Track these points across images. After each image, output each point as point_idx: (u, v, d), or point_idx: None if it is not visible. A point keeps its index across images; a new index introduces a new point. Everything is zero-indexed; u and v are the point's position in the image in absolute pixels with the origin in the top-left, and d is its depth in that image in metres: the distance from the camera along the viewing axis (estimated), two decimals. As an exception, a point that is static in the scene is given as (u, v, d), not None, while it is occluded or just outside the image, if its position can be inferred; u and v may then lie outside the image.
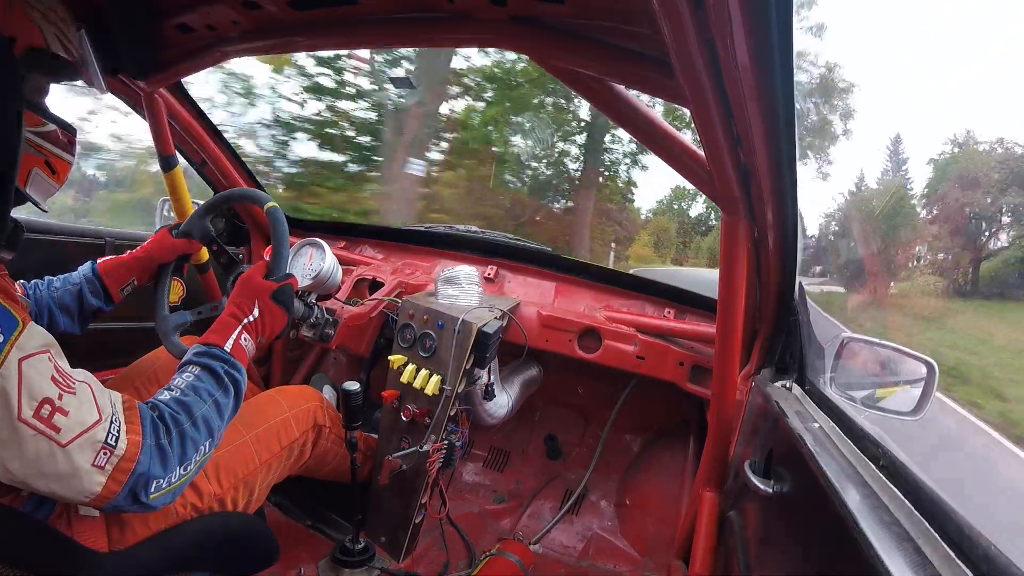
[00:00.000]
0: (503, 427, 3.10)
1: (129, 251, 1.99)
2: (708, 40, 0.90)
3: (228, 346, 1.50)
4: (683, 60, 0.94)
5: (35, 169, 1.37)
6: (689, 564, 1.78)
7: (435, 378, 2.22)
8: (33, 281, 1.83)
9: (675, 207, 62.81)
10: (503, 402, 2.60)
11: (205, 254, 2.66)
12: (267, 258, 1.80)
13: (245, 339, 1.56)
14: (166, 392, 1.36)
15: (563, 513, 2.96)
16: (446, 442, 2.29)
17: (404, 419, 2.27)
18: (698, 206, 61.84)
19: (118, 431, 1.17)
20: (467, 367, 2.25)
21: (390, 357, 2.33)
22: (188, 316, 1.98)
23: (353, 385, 2.03)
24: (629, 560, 2.74)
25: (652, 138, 1.33)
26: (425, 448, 2.23)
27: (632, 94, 1.30)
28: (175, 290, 2.21)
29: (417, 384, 2.24)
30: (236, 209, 3.06)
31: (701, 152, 1.27)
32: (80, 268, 1.90)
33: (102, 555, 1.41)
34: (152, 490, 1.23)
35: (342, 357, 3.53)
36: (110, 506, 1.20)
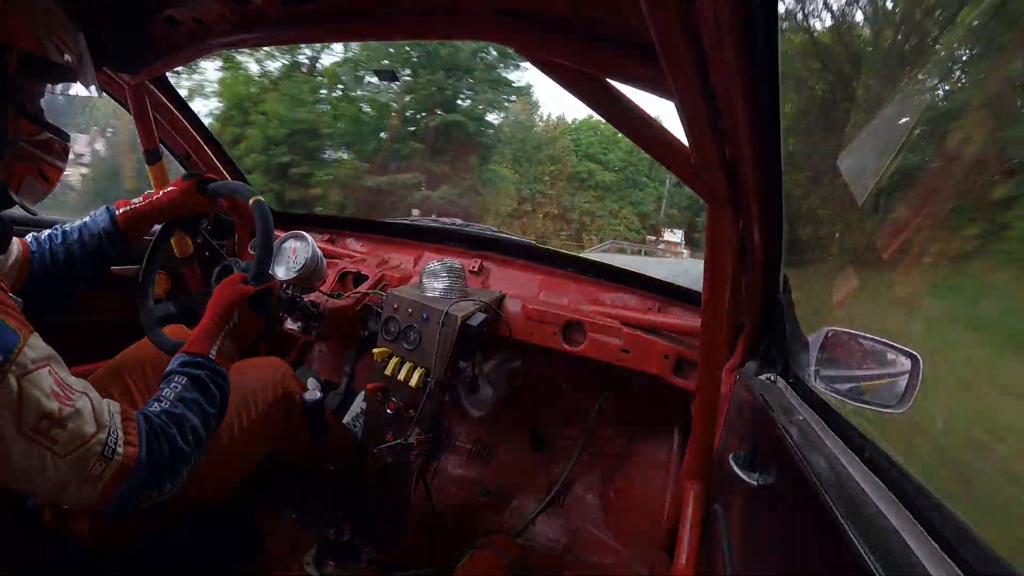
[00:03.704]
0: (488, 420, 3.10)
1: (146, 196, 1.94)
2: (694, 32, 0.90)
3: (213, 354, 1.50)
4: (669, 52, 0.94)
5: (28, 178, 1.37)
6: (673, 556, 1.78)
7: (419, 371, 2.22)
8: (46, 233, 1.80)
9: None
10: (488, 395, 2.60)
11: (189, 245, 2.65)
12: (252, 252, 1.79)
13: (227, 345, 1.57)
14: (156, 403, 1.35)
15: (545, 505, 2.96)
16: (431, 435, 2.29)
17: (389, 412, 2.27)
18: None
19: (115, 443, 1.17)
20: (451, 360, 2.25)
21: (374, 350, 2.32)
22: (172, 307, 1.95)
23: (314, 395, 2.00)
24: (613, 552, 2.75)
25: (637, 131, 1.32)
26: (410, 441, 2.23)
27: (618, 87, 1.29)
28: (160, 283, 2.19)
29: (401, 376, 2.24)
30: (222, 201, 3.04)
31: (687, 145, 1.27)
32: (96, 215, 1.86)
33: (87, 549, 1.40)
34: (146, 500, 1.24)
35: (326, 350, 3.53)
36: (108, 511, 1.20)
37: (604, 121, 1.37)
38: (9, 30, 1.25)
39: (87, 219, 1.86)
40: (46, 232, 1.80)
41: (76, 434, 1.11)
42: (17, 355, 1.05)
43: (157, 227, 1.99)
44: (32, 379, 1.06)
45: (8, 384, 1.03)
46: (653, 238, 58.76)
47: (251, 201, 1.87)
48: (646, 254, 47.21)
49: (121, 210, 1.88)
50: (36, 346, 1.11)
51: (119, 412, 1.23)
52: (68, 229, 1.83)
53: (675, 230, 62.85)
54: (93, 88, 1.53)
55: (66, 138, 1.44)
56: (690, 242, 61.92)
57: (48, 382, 1.10)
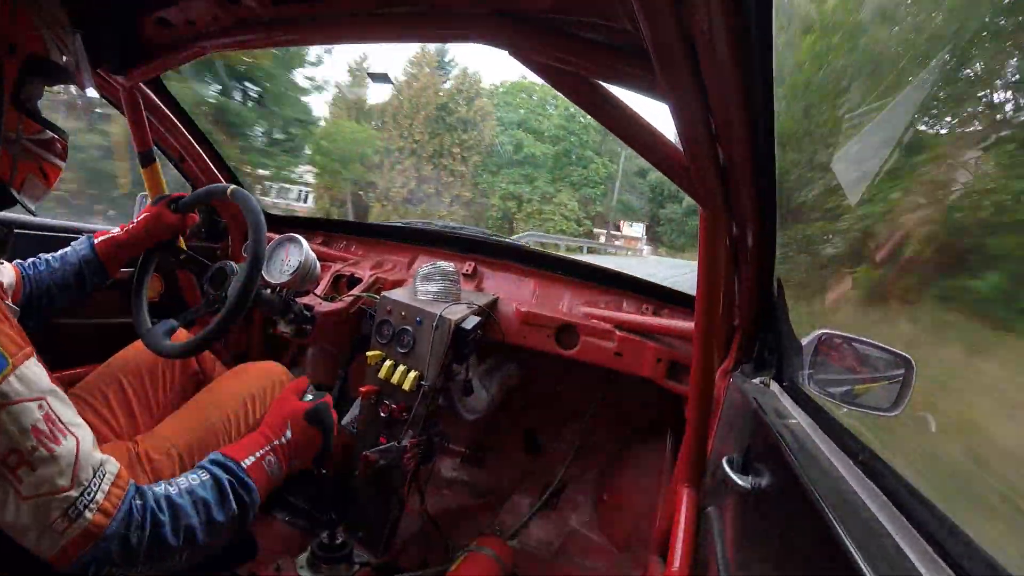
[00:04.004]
0: (482, 423, 3.10)
1: (123, 226, 1.96)
2: (687, 35, 0.90)
3: (246, 463, 1.44)
4: (662, 55, 0.94)
5: (29, 175, 1.37)
6: (667, 560, 1.78)
7: (413, 374, 2.22)
8: (31, 260, 1.80)
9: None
10: (482, 398, 2.60)
11: (183, 246, 2.65)
12: (245, 255, 1.79)
13: (270, 461, 1.50)
14: (164, 485, 1.29)
15: (539, 507, 2.96)
16: (424, 438, 2.29)
17: (382, 415, 2.27)
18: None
19: (85, 506, 1.11)
20: (445, 363, 2.25)
21: (367, 353, 2.32)
22: (174, 322, 1.94)
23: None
24: (607, 555, 2.75)
25: (631, 133, 1.32)
26: (403, 444, 2.22)
27: (612, 89, 1.29)
28: (153, 286, 2.18)
29: (395, 380, 2.23)
30: (215, 205, 3.04)
31: (680, 148, 1.27)
32: (76, 246, 1.88)
33: None
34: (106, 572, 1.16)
35: (320, 353, 3.53)
36: (74, 569, 1.13)
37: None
38: (15, 30, 1.26)
39: (67, 249, 1.88)
40: (29, 260, 1.81)
41: (42, 480, 1.06)
42: (2, 381, 1.02)
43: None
44: (13, 411, 1.03)
45: None
46: (603, 231, 51.62)
47: (228, 192, 1.90)
48: (589, 251, 36.38)
49: (100, 239, 1.90)
50: (28, 377, 1.08)
51: (113, 475, 1.19)
52: (50, 258, 1.84)
53: (634, 223, 57.18)
54: (90, 89, 1.55)
55: (65, 136, 1.45)
56: (653, 238, 57.55)
57: (32, 417, 1.06)
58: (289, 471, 1.59)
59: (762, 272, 1.70)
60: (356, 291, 2.63)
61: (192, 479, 1.33)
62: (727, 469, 1.31)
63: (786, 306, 1.79)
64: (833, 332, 1.61)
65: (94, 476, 1.14)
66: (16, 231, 1.49)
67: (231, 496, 1.36)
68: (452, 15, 1.35)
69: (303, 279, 2.22)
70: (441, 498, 3.01)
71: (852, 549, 0.66)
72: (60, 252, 1.86)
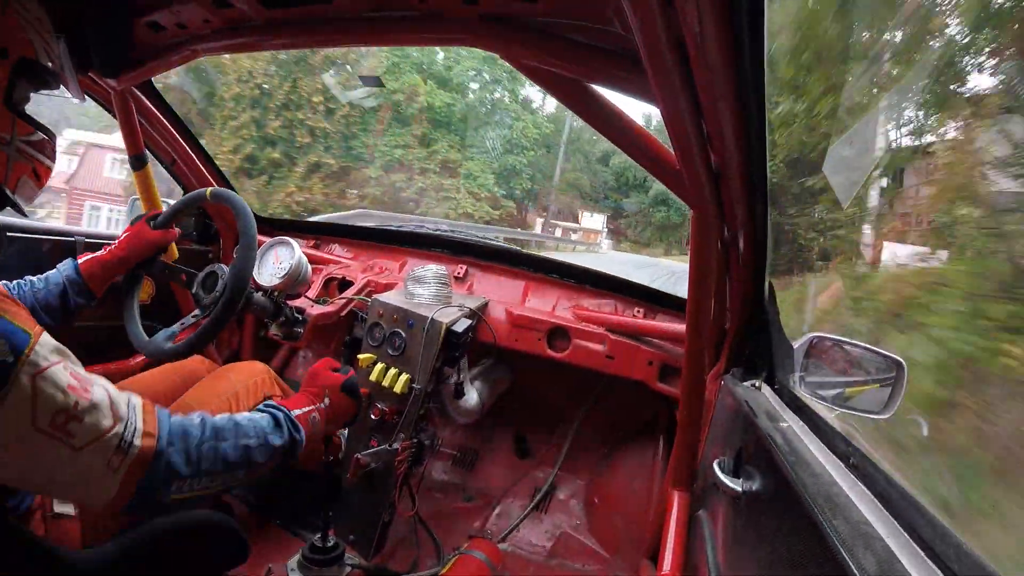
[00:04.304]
0: (472, 426, 3.11)
1: (106, 247, 1.98)
2: (678, 38, 0.90)
3: (296, 413, 1.53)
4: (653, 58, 0.94)
5: (23, 176, 1.39)
6: (658, 563, 1.78)
7: (404, 377, 2.22)
8: (16, 281, 1.82)
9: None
10: (473, 401, 2.60)
11: (175, 251, 2.64)
12: (235, 255, 1.80)
13: (315, 418, 1.59)
14: (221, 417, 1.38)
15: (530, 510, 2.96)
16: (415, 440, 2.29)
17: (373, 418, 2.27)
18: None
19: (132, 435, 1.16)
20: (437, 366, 2.25)
21: (359, 356, 2.32)
22: (175, 328, 1.96)
23: None
24: (598, 559, 2.75)
25: (622, 137, 1.33)
26: (394, 446, 2.22)
27: (603, 92, 1.30)
28: (145, 289, 2.19)
29: (386, 383, 2.23)
30: (206, 209, 3.04)
31: (671, 151, 1.27)
32: (60, 267, 1.90)
33: (73, 554, 1.39)
34: (172, 490, 1.23)
35: (311, 356, 3.52)
36: (128, 506, 1.19)
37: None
38: (5, 34, 1.28)
39: (52, 271, 1.90)
40: (14, 281, 1.83)
41: (93, 427, 1.10)
42: (29, 354, 1.05)
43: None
44: (47, 376, 1.06)
45: (21, 383, 1.02)
46: (542, 217, 45.82)
47: (208, 195, 1.95)
48: (508, 241, 19.27)
49: (83, 259, 1.92)
50: (47, 344, 1.11)
51: (140, 404, 1.23)
52: (34, 279, 1.86)
53: (594, 214, 53.12)
54: (75, 93, 1.56)
55: (54, 137, 1.46)
56: (617, 231, 53.83)
57: (64, 377, 1.09)
58: (325, 433, 1.68)
59: (753, 275, 1.71)
60: (348, 294, 2.62)
61: (252, 414, 1.44)
62: (718, 472, 1.31)
63: (777, 309, 1.80)
64: (824, 335, 1.62)
65: (128, 408, 1.19)
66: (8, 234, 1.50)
67: (285, 428, 1.46)
68: (443, 19, 1.35)
69: (295, 282, 2.22)
70: (432, 501, 3.01)
71: (843, 552, 0.66)
72: (45, 274, 1.89)
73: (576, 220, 52.82)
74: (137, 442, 1.16)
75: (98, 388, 1.15)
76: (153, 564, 1.58)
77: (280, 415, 1.47)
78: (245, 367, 2.15)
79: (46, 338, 1.12)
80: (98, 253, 1.95)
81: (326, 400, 1.66)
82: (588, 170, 52.67)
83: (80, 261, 1.90)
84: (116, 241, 1.99)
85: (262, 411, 1.47)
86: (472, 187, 33.69)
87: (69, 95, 1.65)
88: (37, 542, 1.31)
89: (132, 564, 1.51)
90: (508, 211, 37.08)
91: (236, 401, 1.97)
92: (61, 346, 1.15)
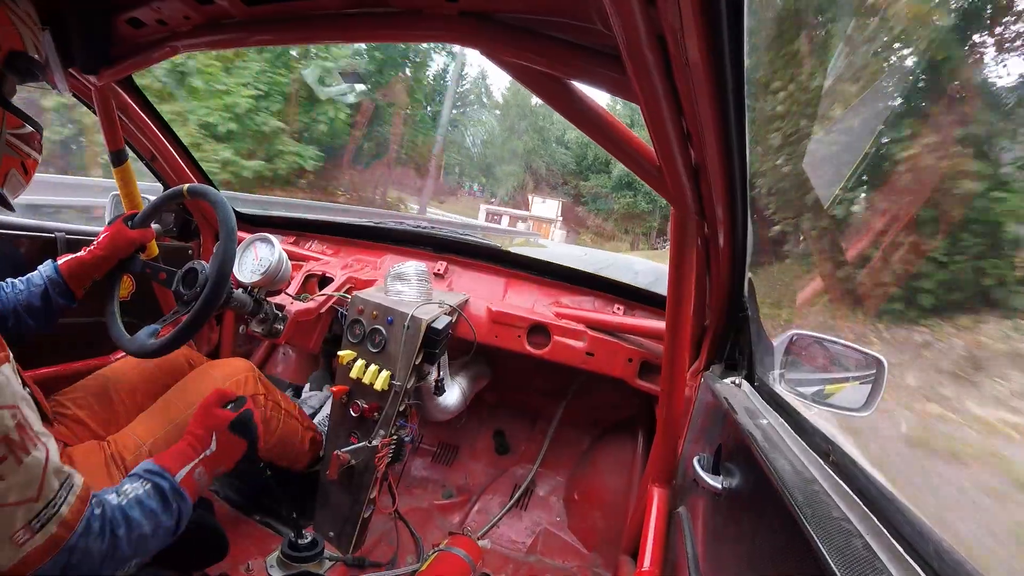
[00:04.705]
0: (452, 422, 3.11)
1: (86, 248, 1.96)
2: (659, 36, 0.90)
3: (179, 477, 1.46)
4: (633, 56, 0.94)
5: (12, 170, 1.39)
6: (637, 559, 1.79)
7: (384, 373, 2.21)
8: None
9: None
10: (453, 397, 2.60)
11: (155, 248, 2.63)
12: (215, 252, 1.80)
13: (200, 472, 1.53)
14: (114, 496, 1.31)
15: (510, 507, 2.97)
16: (395, 437, 2.28)
17: (353, 414, 2.26)
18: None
19: (49, 518, 1.11)
20: (417, 363, 2.24)
21: (339, 352, 2.31)
22: (157, 326, 1.95)
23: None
24: (577, 555, 2.76)
25: (602, 134, 1.33)
26: (374, 443, 2.22)
27: (583, 90, 1.30)
28: (125, 285, 2.18)
29: (366, 379, 2.22)
30: (186, 205, 3.03)
31: (652, 149, 1.27)
32: (41, 269, 1.88)
33: None
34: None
35: (291, 353, 3.51)
36: None
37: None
38: None
39: (33, 273, 1.88)
40: None
41: (9, 490, 1.06)
42: None
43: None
44: None
45: None
46: (488, 207, 42.40)
47: (185, 191, 1.97)
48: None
49: (64, 260, 1.90)
50: (1, 384, 1.07)
51: (79, 487, 1.19)
52: (16, 281, 1.85)
53: (546, 199, 47.30)
54: (61, 85, 1.57)
55: (41, 129, 1.46)
56: (575, 221, 47.19)
57: (5, 426, 1.05)
58: (212, 477, 1.61)
59: (733, 272, 1.71)
60: (328, 291, 2.62)
61: (136, 487, 1.36)
62: (698, 469, 1.31)
63: (757, 306, 1.81)
64: (805, 332, 1.63)
65: (60, 488, 1.14)
66: None
67: (173, 503, 1.40)
68: (423, 15, 1.35)
69: (275, 279, 2.22)
70: (412, 497, 3.01)
71: (822, 549, 0.66)
72: (26, 276, 1.87)
73: (527, 207, 47.67)
74: (52, 527, 1.12)
75: (39, 452, 1.11)
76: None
77: (165, 487, 1.40)
78: (228, 365, 2.15)
79: (4, 377, 1.08)
80: (78, 254, 1.93)
81: (212, 446, 1.60)
82: (545, 151, 49.12)
83: (60, 262, 1.89)
84: (95, 241, 1.97)
85: (145, 479, 1.40)
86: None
87: (50, 87, 1.64)
88: None
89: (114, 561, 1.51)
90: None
91: None
92: (17, 392, 1.11)
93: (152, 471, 1.42)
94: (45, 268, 1.88)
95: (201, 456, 1.55)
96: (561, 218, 47.44)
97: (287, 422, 2.30)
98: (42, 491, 1.10)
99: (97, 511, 1.22)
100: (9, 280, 1.83)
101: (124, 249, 2.01)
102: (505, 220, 43.30)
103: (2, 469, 1.04)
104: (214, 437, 1.60)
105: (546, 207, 47.77)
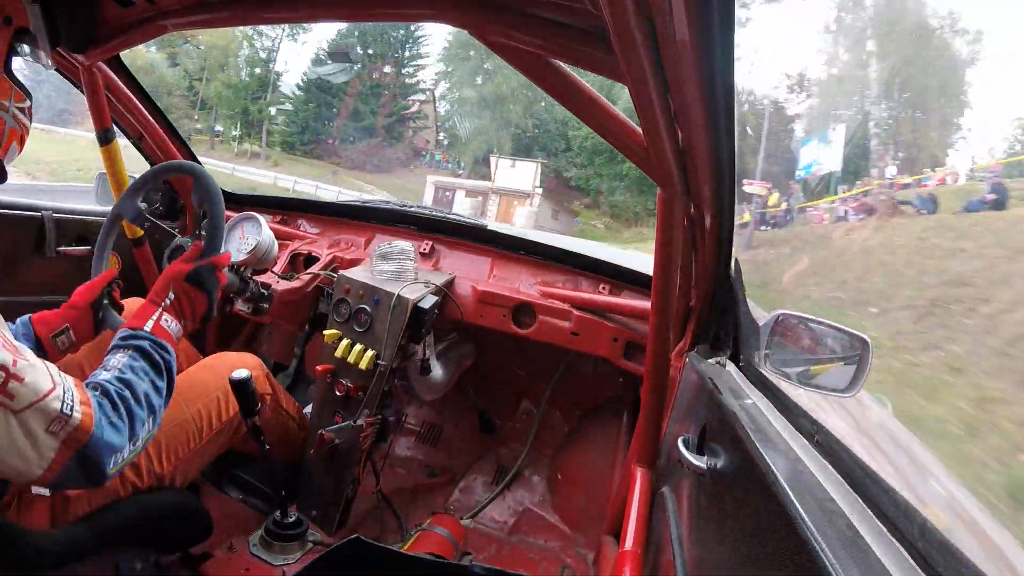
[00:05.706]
0: (437, 402, 3.12)
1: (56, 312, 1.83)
2: (647, 16, 0.89)
3: (148, 327, 1.47)
4: (621, 36, 0.93)
5: (13, 143, 1.40)
6: (620, 539, 1.79)
7: (370, 353, 2.22)
8: None
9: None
10: (438, 377, 2.60)
11: (140, 229, 2.61)
12: (203, 233, 1.78)
13: (167, 320, 1.53)
14: (104, 372, 1.33)
15: (500, 491, 2.97)
16: (380, 417, 2.29)
17: (338, 394, 2.26)
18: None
19: (72, 402, 1.14)
20: (402, 342, 2.25)
21: (324, 332, 2.31)
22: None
23: (242, 373, 1.91)
24: (560, 535, 2.77)
25: (589, 114, 1.32)
26: (359, 423, 2.22)
27: (570, 69, 1.29)
28: (111, 264, 2.16)
29: (352, 359, 2.23)
30: (172, 183, 3.01)
31: (639, 128, 1.27)
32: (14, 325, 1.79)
33: (41, 534, 1.39)
34: (112, 463, 1.21)
35: (276, 332, 3.50)
36: (61, 479, 1.17)
37: None
38: (9, 2, 1.32)
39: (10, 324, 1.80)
40: None
41: (33, 388, 1.08)
42: None
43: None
44: None
45: None
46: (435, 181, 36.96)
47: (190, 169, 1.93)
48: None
49: (36, 318, 1.78)
50: None
51: (71, 378, 1.21)
52: None
53: (518, 162, 38.38)
54: (47, 60, 1.60)
55: (31, 99, 1.46)
56: (559, 192, 37.72)
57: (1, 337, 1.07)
58: (185, 330, 1.62)
59: (719, 252, 1.71)
60: (314, 269, 2.61)
61: (120, 358, 1.39)
62: (682, 449, 1.32)
63: (743, 286, 1.81)
64: (790, 312, 1.63)
65: (63, 377, 1.18)
66: None
67: (156, 356, 1.43)
68: (410, -7, 1.35)
69: (261, 258, 2.22)
70: (396, 477, 3.01)
71: (807, 528, 0.66)
72: None
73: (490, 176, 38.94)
74: (78, 410, 1.14)
75: (29, 354, 1.14)
76: (120, 541, 1.58)
77: (145, 345, 1.42)
78: (236, 359, 2.11)
79: None
80: (51, 311, 1.80)
81: (171, 296, 1.59)
82: (501, 113, 40.14)
83: (33, 319, 1.76)
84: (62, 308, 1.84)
85: (123, 347, 1.42)
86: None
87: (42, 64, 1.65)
88: (14, 528, 1.31)
89: (99, 542, 1.51)
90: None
91: (227, 401, 1.93)
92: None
93: (125, 337, 1.46)
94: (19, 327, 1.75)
95: (162, 306, 1.56)
96: (541, 188, 38.62)
97: (288, 424, 2.32)
98: (55, 380, 1.14)
99: (97, 392, 1.26)
100: None
101: (92, 291, 1.83)
102: (460, 195, 37.51)
103: (17, 371, 1.07)
104: (172, 288, 1.60)
105: (517, 173, 38.61)
